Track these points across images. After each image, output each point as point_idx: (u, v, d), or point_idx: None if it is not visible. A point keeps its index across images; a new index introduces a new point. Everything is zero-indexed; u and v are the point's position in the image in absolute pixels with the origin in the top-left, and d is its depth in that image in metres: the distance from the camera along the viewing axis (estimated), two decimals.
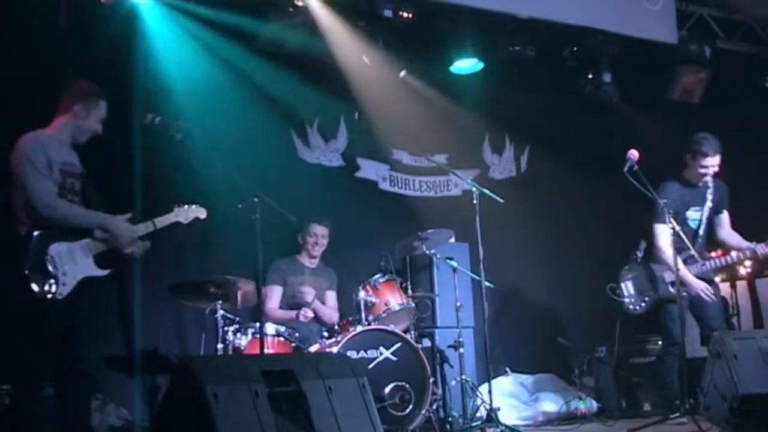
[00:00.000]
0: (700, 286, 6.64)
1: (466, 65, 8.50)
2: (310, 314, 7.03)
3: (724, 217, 7.00)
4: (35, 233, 4.91)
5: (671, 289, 6.65)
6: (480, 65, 8.47)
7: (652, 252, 6.90)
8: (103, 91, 5.32)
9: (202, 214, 5.62)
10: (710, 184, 6.88)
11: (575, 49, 8.41)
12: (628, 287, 6.99)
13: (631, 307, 6.98)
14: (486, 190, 6.86)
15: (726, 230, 6.97)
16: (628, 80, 8.65)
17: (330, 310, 7.29)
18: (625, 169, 6.42)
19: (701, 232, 6.88)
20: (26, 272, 4.82)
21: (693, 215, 6.85)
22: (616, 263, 7.25)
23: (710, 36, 8.74)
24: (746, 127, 8.60)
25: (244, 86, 7.58)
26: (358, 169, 8.75)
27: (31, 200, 4.97)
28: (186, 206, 5.57)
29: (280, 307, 7.14)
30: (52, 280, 4.85)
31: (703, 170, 6.74)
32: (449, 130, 8.92)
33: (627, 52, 8.39)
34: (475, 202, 6.78)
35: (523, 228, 9.13)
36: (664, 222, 6.41)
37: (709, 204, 6.88)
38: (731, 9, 8.83)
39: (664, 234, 6.56)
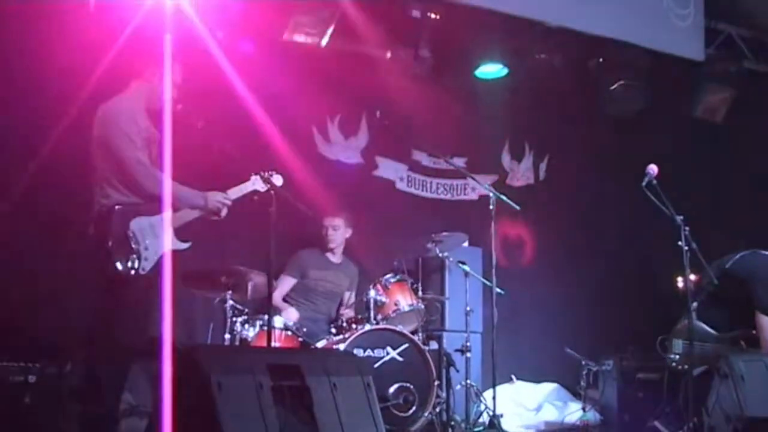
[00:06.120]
0: None
1: (491, 70, 8.47)
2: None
3: None
4: (116, 208, 4.87)
5: None
6: (505, 71, 8.44)
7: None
8: (175, 54, 5.25)
9: (278, 181, 5.59)
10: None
11: (601, 60, 8.39)
12: (678, 345, 6.67)
13: (675, 365, 6.65)
14: (503, 197, 6.84)
15: None
16: (652, 94, 8.60)
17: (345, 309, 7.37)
18: (644, 183, 6.39)
19: None
20: (109, 247, 4.78)
21: None
22: (629, 275, 7.25)
23: (738, 55, 8.69)
24: None
25: (267, 78, 7.57)
26: (376, 168, 8.75)
27: (133, 174, 4.92)
28: (261, 174, 5.57)
29: (288, 298, 7.19)
30: (135, 256, 4.83)
31: None
32: (470, 134, 8.90)
33: (653, 66, 8.36)
34: (491, 207, 6.77)
35: (537, 236, 9.13)
36: None
37: None
38: (761, 30, 8.77)
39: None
